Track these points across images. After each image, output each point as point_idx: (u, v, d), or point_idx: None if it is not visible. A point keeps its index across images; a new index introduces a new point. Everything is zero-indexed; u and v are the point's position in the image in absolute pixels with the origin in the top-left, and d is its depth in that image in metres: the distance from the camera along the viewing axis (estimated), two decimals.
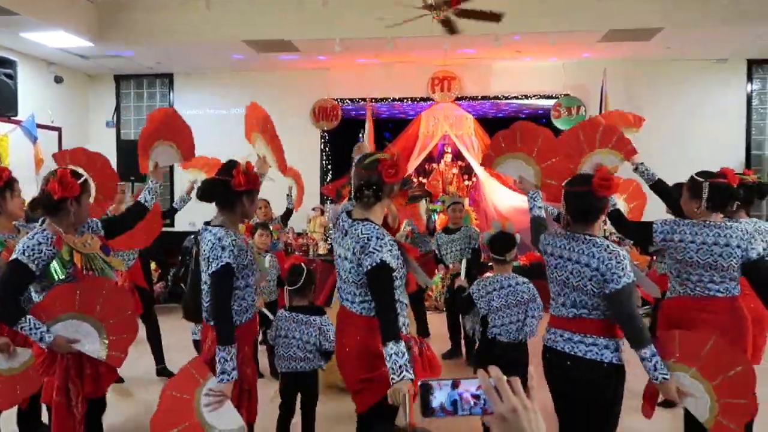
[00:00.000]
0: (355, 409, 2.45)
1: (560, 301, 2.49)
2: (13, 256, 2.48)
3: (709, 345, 2.41)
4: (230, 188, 2.50)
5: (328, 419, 3.89)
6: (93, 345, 2.58)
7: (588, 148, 3.01)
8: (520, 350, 3.27)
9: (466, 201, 5.54)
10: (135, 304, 4.69)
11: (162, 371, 4.91)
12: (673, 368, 2.38)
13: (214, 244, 2.44)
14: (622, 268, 2.28)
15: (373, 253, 2.22)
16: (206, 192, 2.56)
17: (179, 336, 4.40)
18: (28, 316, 2.45)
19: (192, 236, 3.88)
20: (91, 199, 3.13)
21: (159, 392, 2.59)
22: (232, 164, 2.57)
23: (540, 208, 2.82)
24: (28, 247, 2.47)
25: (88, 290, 2.58)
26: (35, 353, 2.67)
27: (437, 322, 6.28)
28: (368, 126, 4.99)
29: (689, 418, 2.75)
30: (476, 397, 0.96)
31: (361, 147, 2.87)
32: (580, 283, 2.37)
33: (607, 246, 2.35)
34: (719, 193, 2.70)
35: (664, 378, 2.32)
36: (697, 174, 2.79)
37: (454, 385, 0.97)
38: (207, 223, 2.61)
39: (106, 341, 2.59)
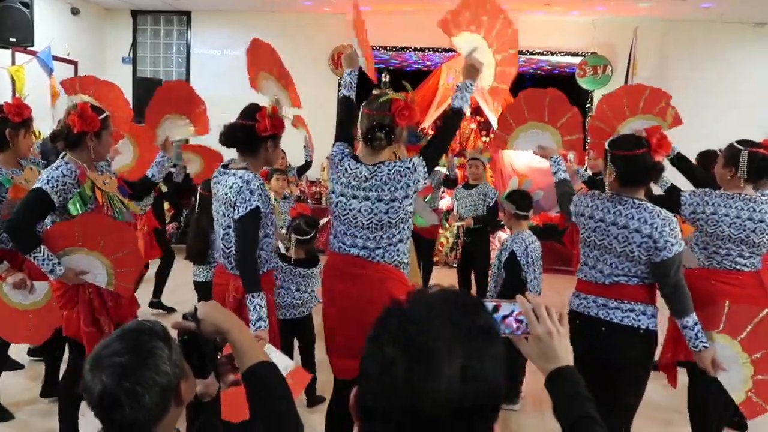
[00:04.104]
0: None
1: (597, 266, 2.38)
2: (37, 185, 2.46)
3: (759, 318, 2.35)
4: (254, 133, 2.40)
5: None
6: (101, 276, 2.60)
7: (630, 113, 2.86)
8: None
9: (486, 157, 5.40)
10: (154, 248, 4.74)
11: (156, 305, 5.01)
12: (715, 338, 2.33)
13: (241, 187, 2.33)
14: (675, 236, 2.20)
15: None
16: (229, 137, 2.44)
17: (189, 276, 4.45)
18: (42, 246, 2.45)
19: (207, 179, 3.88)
20: None
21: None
22: (255, 107, 2.46)
23: (564, 171, 2.71)
24: (52, 177, 2.45)
25: (88, 226, 2.56)
26: (54, 287, 2.70)
27: (442, 276, 6.31)
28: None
29: (693, 388, 2.76)
30: (519, 321, 1.06)
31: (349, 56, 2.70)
32: (626, 249, 2.27)
33: (660, 212, 2.24)
34: (756, 164, 2.60)
35: (703, 346, 2.27)
36: (737, 142, 2.69)
37: (495, 308, 1.05)
38: (225, 167, 2.52)
39: (113, 273, 2.61)
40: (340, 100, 2.61)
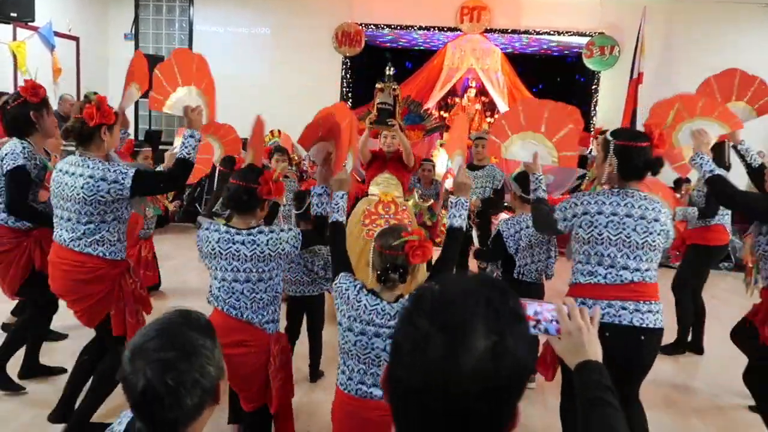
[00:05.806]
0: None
1: (616, 264, 2.27)
2: (132, 170, 2.53)
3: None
4: (255, 195, 2.46)
5: (336, 348, 3.97)
6: (192, 100, 2.84)
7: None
8: (539, 291, 3.30)
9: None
10: (154, 275, 4.73)
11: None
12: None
13: (280, 239, 2.47)
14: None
15: None
16: (233, 199, 2.48)
17: (191, 255, 4.47)
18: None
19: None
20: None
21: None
22: (257, 170, 2.52)
23: (544, 191, 2.68)
24: (116, 169, 2.53)
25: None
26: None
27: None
28: None
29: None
30: (555, 320, 1.15)
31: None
32: (647, 239, 2.26)
33: (659, 200, 2.34)
34: None
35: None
36: None
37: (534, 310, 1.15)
38: (230, 226, 2.49)
39: (201, 90, 2.90)
40: (332, 225, 2.47)
